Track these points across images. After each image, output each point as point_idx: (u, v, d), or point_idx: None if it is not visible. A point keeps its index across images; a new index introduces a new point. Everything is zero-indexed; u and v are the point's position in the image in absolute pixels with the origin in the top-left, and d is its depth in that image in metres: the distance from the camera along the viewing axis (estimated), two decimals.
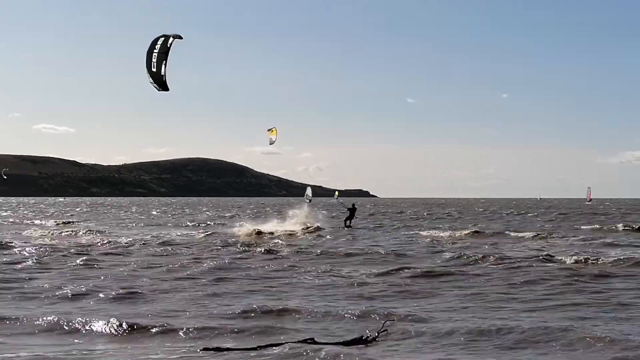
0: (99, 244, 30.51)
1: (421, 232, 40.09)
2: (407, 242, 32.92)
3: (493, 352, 10.53)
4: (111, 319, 12.29)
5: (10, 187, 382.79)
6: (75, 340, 11.50)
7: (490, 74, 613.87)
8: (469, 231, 39.60)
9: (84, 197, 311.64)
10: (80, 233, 38.35)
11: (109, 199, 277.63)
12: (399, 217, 69.89)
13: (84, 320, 12.40)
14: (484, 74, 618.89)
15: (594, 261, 22.27)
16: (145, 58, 19.67)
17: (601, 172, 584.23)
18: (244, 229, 38.27)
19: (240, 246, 28.96)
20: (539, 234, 36.87)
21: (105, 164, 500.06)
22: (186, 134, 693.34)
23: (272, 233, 37.16)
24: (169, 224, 52.28)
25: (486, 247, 29.46)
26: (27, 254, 25.24)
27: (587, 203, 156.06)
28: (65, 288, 16.69)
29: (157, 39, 19.70)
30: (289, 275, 19.58)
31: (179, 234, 39.01)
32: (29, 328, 12.31)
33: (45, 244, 30.10)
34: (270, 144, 34.80)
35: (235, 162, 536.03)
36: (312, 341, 10.79)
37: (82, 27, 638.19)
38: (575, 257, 22.92)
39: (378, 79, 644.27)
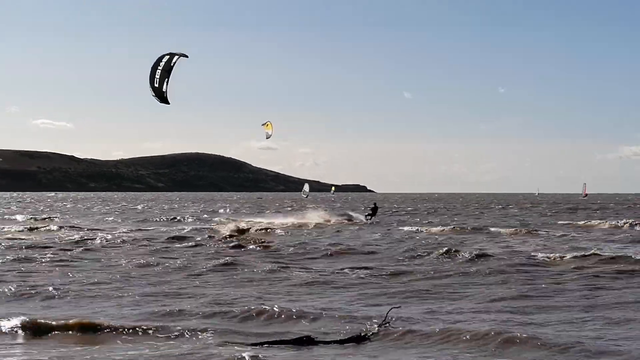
0: (57, 240, 29.86)
1: (402, 228, 39.62)
2: (380, 238, 32.43)
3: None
4: None
5: (8, 181, 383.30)
6: None
7: (487, 68, 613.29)
8: (446, 227, 39.21)
9: (81, 192, 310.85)
10: (48, 228, 37.63)
11: (102, 193, 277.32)
12: (393, 212, 68.98)
13: None
14: (481, 68, 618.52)
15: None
16: (149, 72, 20.61)
17: (600, 167, 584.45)
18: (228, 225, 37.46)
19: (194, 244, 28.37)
20: (517, 231, 36.79)
21: (103, 159, 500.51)
22: (183, 129, 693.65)
23: (248, 230, 36.14)
24: (147, 220, 51.64)
25: (454, 242, 29.03)
26: None
27: (582, 198, 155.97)
28: None
29: (162, 56, 20.56)
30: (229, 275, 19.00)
31: (147, 228, 38.45)
32: None
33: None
34: (267, 137, 34.76)
35: (232, 157, 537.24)
36: (309, 339, 10.81)
37: (80, 23, 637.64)
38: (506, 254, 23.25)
39: (375, 73, 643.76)
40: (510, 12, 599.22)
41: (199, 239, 29.89)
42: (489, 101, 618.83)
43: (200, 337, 11.19)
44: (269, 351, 10.30)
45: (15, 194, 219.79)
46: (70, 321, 11.91)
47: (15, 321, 11.77)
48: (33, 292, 15.39)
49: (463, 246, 26.22)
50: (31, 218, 50.94)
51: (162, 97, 20.85)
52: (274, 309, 13.04)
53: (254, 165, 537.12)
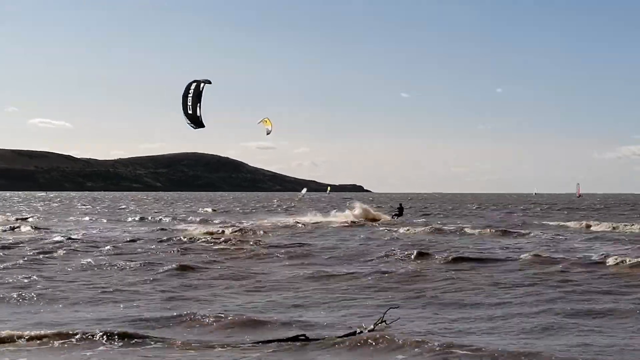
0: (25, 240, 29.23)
1: (380, 228, 39.04)
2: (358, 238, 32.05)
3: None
4: None
5: (6, 181, 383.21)
6: None
7: (485, 67, 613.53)
8: (425, 227, 38.66)
9: (78, 192, 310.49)
10: (19, 229, 37.00)
11: (96, 193, 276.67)
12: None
13: None
14: (478, 68, 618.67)
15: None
16: (181, 102, 21.72)
17: (598, 167, 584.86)
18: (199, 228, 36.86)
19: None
20: (496, 230, 36.19)
21: (101, 158, 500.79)
22: (181, 128, 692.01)
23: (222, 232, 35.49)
24: (120, 220, 51.06)
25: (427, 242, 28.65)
26: None
27: (576, 198, 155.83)
28: None
29: (189, 85, 21.72)
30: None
31: (115, 227, 37.96)
32: None
33: None
34: (268, 133, 34.41)
35: (230, 157, 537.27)
36: (304, 337, 10.76)
37: (79, 22, 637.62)
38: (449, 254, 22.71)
39: (373, 73, 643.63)
40: (508, 12, 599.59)
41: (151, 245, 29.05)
42: (486, 101, 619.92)
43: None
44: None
45: (8, 193, 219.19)
46: None
47: None
48: None
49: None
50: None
51: (197, 122, 21.83)
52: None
53: (251, 165, 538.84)
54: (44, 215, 57.30)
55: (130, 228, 39.96)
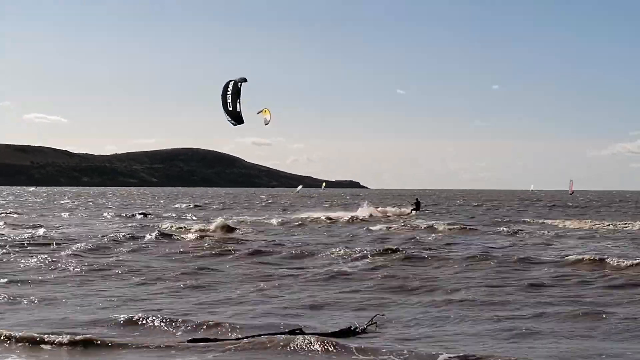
0: None
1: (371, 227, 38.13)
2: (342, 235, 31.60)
3: None
4: None
5: (1, 176, 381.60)
6: None
7: (481, 65, 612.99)
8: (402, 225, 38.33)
9: (73, 187, 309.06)
10: None
11: (86, 188, 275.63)
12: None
13: None
14: (475, 65, 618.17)
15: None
16: (220, 100, 22.88)
17: (594, 164, 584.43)
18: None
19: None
20: (465, 227, 36.10)
21: (97, 153, 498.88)
22: (177, 124, 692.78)
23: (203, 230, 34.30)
24: (99, 216, 50.02)
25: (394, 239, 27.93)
26: None
27: (569, 195, 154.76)
28: None
29: (227, 83, 22.83)
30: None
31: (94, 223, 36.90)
32: None
33: None
34: (266, 124, 33.75)
35: (226, 152, 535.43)
36: (299, 332, 10.75)
37: (74, 17, 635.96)
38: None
39: (369, 70, 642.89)
40: (505, 9, 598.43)
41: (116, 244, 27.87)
42: (483, 98, 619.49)
43: None
44: None
45: (6, 188, 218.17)
46: None
47: None
48: None
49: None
50: None
51: (237, 118, 22.77)
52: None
53: (247, 160, 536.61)
54: (26, 211, 56.18)
55: (97, 224, 38.89)
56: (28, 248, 24.11)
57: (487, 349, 9.95)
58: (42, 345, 10.36)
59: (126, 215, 50.23)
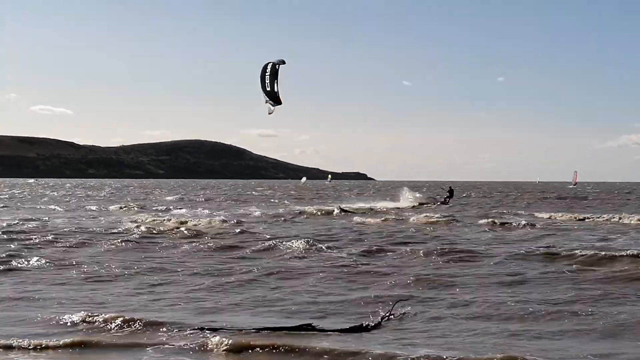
0: None
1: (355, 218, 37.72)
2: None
3: None
4: None
5: (7, 168, 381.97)
6: None
7: (487, 57, 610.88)
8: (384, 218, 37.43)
9: (78, 179, 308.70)
10: None
11: (89, 180, 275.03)
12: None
13: None
14: (480, 57, 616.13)
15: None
16: (259, 81, 23.32)
17: (599, 155, 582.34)
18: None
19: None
20: (441, 219, 35.21)
21: (103, 145, 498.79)
22: (182, 116, 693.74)
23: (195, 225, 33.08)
24: (83, 207, 48.77)
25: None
26: None
27: (572, 186, 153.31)
28: None
29: (266, 65, 23.20)
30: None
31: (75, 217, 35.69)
32: None
33: None
34: (270, 113, 32.94)
35: (233, 144, 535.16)
36: (310, 327, 10.58)
37: (80, 9, 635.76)
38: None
39: (375, 61, 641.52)
40: (510, 1, 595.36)
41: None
42: (488, 90, 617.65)
43: None
44: None
45: (7, 180, 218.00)
46: None
47: None
48: None
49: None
50: None
51: (275, 98, 23.18)
52: None
53: (254, 152, 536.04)
54: (15, 203, 55.18)
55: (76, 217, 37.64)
56: None
57: None
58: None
59: (103, 208, 48.69)
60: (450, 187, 59.30)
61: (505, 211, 45.81)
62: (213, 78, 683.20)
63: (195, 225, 30.90)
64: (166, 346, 9.59)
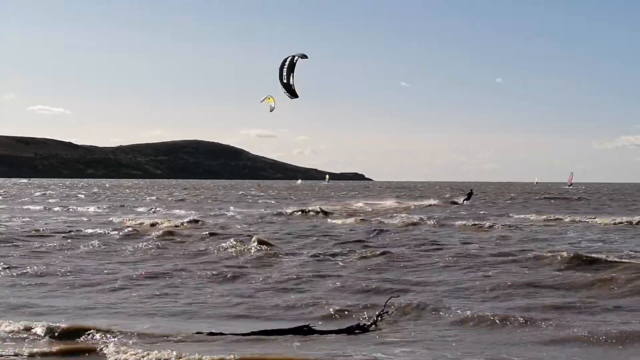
0: None
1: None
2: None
3: None
4: None
5: (5, 168, 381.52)
6: None
7: (485, 57, 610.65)
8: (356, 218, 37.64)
9: (75, 179, 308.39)
10: None
11: (82, 180, 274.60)
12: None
13: None
14: (479, 58, 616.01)
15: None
16: (277, 73, 23.23)
17: (598, 157, 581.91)
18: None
19: None
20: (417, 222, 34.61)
21: (100, 145, 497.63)
22: (182, 116, 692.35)
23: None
24: (50, 209, 48.39)
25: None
26: None
27: (568, 187, 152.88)
28: None
29: (285, 58, 23.20)
30: None
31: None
32: None
33: None
34: (271, 110, 33.43)
35: (231, 144, 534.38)
36: (307, 328, 10.58)
37: (78, 9, 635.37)
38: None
39: (373, 62, 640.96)
40: (508, 2, 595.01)
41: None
42: (486, 91, 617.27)
43: None
44: None
45: (2, 180, 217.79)
46: None
47: None
48: None
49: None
50: None
51: (290, 91, 23.27)
52: None
53: (252, 153, 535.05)
54: None
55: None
56: None
57: None
58: None
59: (72, 209, 48.28)
60: (470, 190, 61.93)
61: (485, 212, 45.63)
62: (211, 78, 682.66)
63: (153, 225, 30.85)
64: None
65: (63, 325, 10.38)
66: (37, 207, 48.79)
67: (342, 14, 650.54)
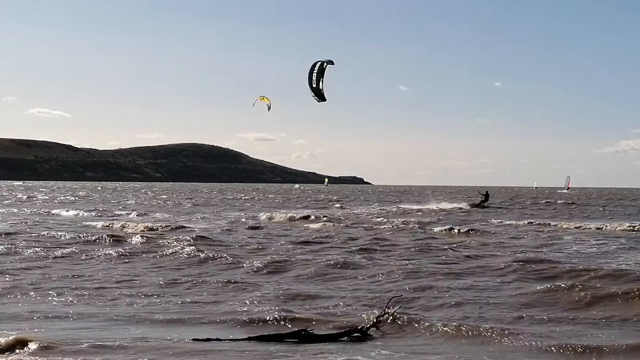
0: None
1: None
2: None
3: None
4: None
5: (5, 170, 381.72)
6: None
7: (483, 62, 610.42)
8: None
9: (75, 182, 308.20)
10: None
11: (92, 183, 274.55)
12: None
13: None
14: (477, 62, 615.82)
15: None
16: (307, 78, 24.21)
17: (597, 161, 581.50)
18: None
19: None
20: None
21: (100, 148, 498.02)
22: (180, 119, 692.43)
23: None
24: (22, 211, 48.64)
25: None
26: None
27: (565, 192, 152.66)
28: None
29: (315, 63, 24.18)
30: None
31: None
32: None
33: None
34: (269, 109, 34.34)
35: (230, 148, 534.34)
36: (305, 332, 10.52)
37: (76, 12, 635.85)
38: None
39: (371, 66, 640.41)
40: (506, 6, 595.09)
41: None
42: (485, 95, 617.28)
43: None
44: None
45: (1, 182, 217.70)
46: None
47: None
48: None
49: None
50: None
51: (319, 95, 24.09)
52: None
53: (251, 156, 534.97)
54: None
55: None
56: None
57: None
58: None
59: (44, 212, 48.48)
60: (486, 192, 62.61)
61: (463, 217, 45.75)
62: (211, 82, 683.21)
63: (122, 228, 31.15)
64: None
65: None
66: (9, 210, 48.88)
67: (340, 18, 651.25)
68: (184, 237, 25.35)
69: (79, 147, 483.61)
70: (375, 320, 11.11)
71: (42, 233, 28.03)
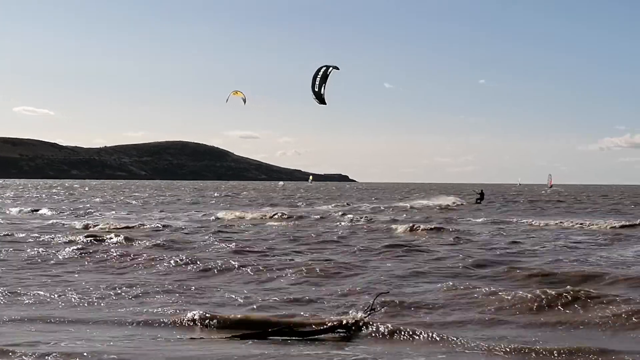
0: None
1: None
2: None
3: None
4: None
5: None
6: None
7: (468, 59, 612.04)
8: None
9: (59, 180, 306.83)
10: None
11: (59, 181, 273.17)
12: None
13: None
14: (462, 59, 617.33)
15: None
16: (311, 81, 25.04)
17: (580, 158, 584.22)
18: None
19: None
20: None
21: (86, 146, 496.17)
22: (165, 117, 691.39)
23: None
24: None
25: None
26: None
27: (548, 189, 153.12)
28: None
29: (320, 68, 25.09)
30: None
31: None
32: None
33: None
34: (245, 102, 35.44)
35: (215, 145, 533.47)
36: (287, 329, 10.37)
37: (62, 11, 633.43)
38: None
39: (355, 63, 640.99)
40: (491, 3, 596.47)
41: None
42: (469, 92, 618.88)
43: None
44: None
45: None
46: None
47: None
48: None
49: None
50: None
51: (320, 99, 24.90)
52: None
53: (236, 154, 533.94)
54: None
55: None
56: None
57: None
58: None
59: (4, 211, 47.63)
60: (481, 190, 64.02)
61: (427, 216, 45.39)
62: (196, 79, 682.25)
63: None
64: None
65: None
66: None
67: (325, 16, 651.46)
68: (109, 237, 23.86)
69: (64, 145, 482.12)
70: (364, 314, 10.79)
71: None
